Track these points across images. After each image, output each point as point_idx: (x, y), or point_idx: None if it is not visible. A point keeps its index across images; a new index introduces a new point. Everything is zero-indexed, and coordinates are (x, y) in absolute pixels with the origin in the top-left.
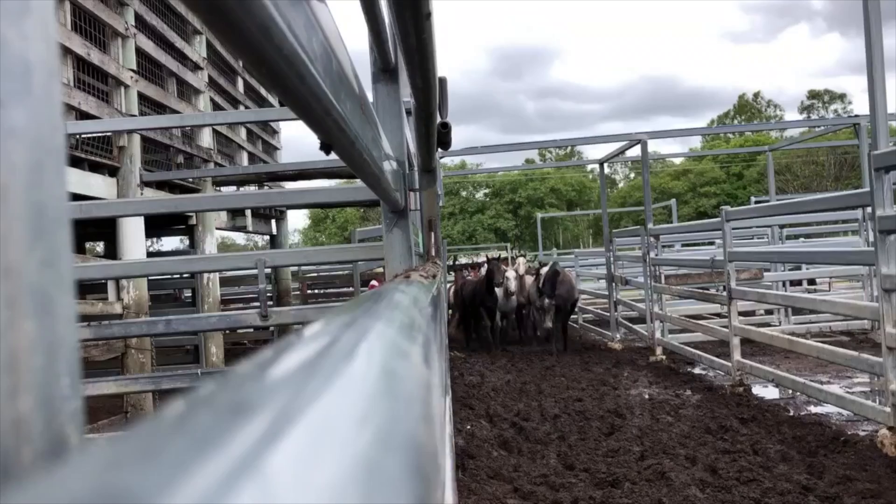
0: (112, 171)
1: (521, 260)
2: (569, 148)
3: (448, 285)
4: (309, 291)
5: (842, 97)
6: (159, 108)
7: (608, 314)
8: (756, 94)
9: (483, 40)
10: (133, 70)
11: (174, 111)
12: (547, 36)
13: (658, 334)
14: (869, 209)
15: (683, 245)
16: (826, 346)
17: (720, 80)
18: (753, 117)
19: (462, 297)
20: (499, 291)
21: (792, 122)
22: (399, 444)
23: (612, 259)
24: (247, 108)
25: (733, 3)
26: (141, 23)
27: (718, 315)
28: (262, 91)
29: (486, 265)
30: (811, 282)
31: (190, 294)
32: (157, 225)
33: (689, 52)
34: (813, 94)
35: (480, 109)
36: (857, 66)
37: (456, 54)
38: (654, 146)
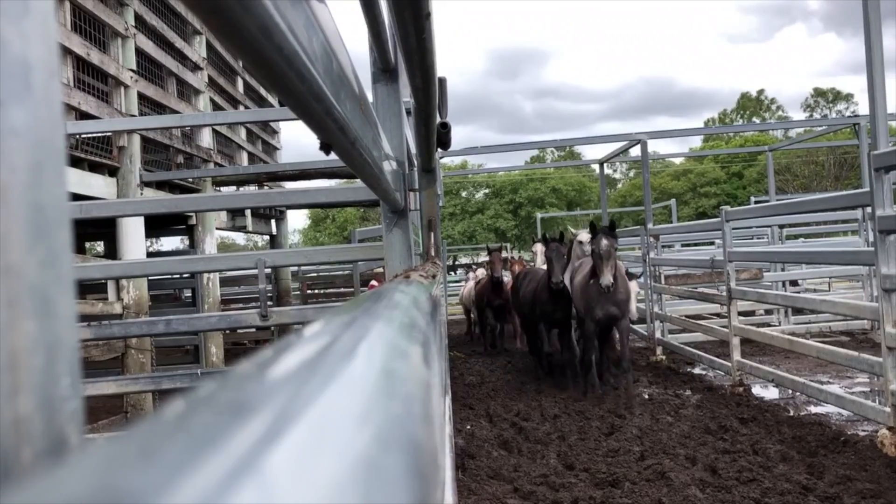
0: (112, 171)
1: (538, 247)
2: (567, 148)
3: (466, 282)
4: (309, 291)
5: (847, 97)
6: (159, 108)
7: None
8: (760, 92)
9: (479, 41)
10: (133, 70)
11: (174, 111)
12: (543, 36)
13: (658, 334)
14: (869, 209)
15: (683, 245)
16: (826, 346)
17: (717, 80)
18: (755, 115)
19: (517, 302)
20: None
21: (792, 122)
22: (399, 444)
23: None
24: (247, 108)
25: (730, 3)
26: (141, 23)
27: (718, 315)
28: (262, 91)
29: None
30: (793, 283)
31: (190, 294)
32: (157, 225)
33: (685, 53)
34: (819, 93)
35: (477, 110)
36: (854, 67)
37: (452, 55)
38: (654, 146)
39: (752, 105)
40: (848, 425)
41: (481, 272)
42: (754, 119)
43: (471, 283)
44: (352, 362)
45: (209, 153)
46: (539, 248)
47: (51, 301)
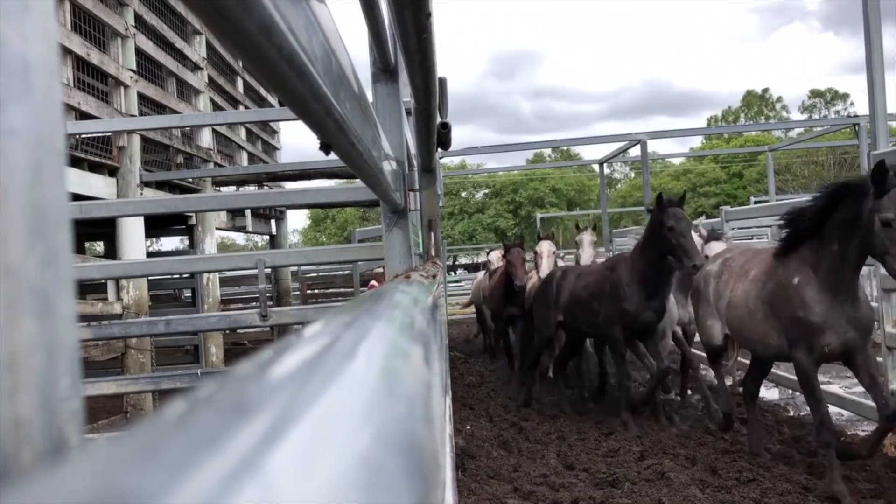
0: (112, 171)
1: (585, 236)
2: (565, 149)
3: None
4: (309, 291)
5: (844, 97)
6: (159, 108)
7: None
8: (765, 90)
9: (478, 41)
10: (133, 70)
11: (174, 111)
12: (541, 37)
13: None
14: None
15: None
16: None
17: (716, 80)
18: (759, 113)
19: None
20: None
21: (792, 122)
22: (399, 444)
23: None
24: (247, 108)
25: (729, 3)
26: (141, 23)
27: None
28: (262, 91)
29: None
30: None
31: (190, 294)
32: (156, 225)
33: (685, 53)
34: (815, 94)
35: (476, 110)
36: (852, 67)
37: (452, 55)
38: (654, 146)
39: (756, 103)
40: (848, 425)
41: (494, 254)
42: (759, 118)
43: (481, 276)
44: (352, 362)
45: (209, 153)
46: (587, 238)
47: (51, 301)
